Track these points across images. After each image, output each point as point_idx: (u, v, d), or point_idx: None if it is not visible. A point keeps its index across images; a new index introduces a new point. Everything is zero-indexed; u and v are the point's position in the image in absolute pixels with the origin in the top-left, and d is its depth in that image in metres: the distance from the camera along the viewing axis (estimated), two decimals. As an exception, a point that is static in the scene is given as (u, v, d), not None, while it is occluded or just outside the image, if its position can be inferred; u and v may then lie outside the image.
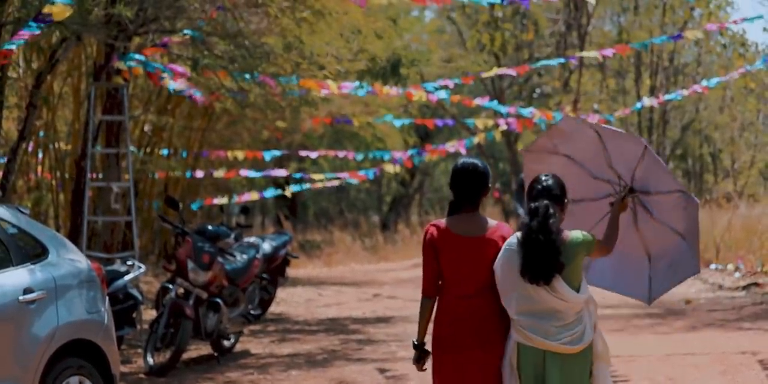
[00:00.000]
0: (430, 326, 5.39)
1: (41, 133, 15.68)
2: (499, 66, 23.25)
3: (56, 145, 16.22)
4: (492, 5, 23.71)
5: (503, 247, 5.25)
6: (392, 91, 16.50)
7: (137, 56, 12.42)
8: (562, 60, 20.50)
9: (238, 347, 11.46)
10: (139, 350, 11.10)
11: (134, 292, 10.59)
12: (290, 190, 22.78)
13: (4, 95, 11.11)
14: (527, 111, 19.18)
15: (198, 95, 13.04)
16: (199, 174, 19.48)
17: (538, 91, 30.77)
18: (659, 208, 5.60)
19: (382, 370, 9.96)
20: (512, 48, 27.25)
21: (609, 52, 17.89)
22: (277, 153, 21.67)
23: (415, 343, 5.39)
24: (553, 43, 28.78)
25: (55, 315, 6.57)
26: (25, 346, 6.32)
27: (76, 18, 10.36)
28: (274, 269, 13.55)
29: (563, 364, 5.20)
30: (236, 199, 21.83)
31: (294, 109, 18.00)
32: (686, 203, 5.52)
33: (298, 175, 25.61)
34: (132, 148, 14.84)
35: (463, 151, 21.46)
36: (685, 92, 20.18)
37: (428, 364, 5.41)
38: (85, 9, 10.60)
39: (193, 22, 12.10)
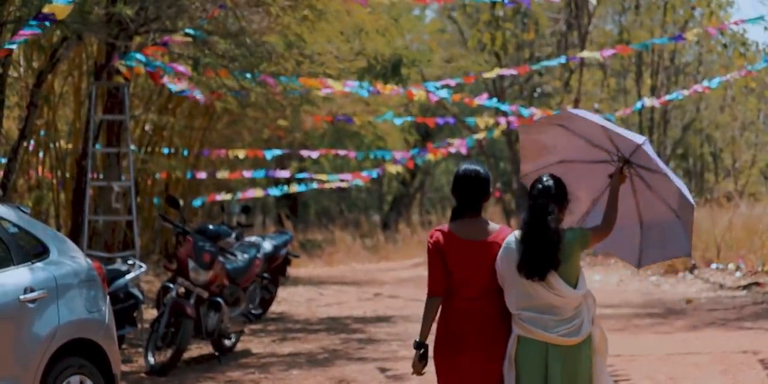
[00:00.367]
0: (433, 327, 5.40)
1: (42, 133, 15.68)
2: (500, 66, 23.24)
3: (57, 145, 16.21)
4: (493, 4, 23.69)
5: (503, 245, 5.33)
6: (394, 89, 16.49)
7: (138, 55, 12.42)
8: (563, 60, 20.47)
9: (239, 346, 11.45)
10: (140, 349, 11.10)
11: (135, 291, 10.59)
12: (295, 188, 22.82)
13: (5, 94, 11.11)
14: (528, 111, 19.18)
15: (198, 96, 13.04)
16: (202, 175, 19.49)
17: (538, 90, 30.74)
18: (657, 184, 5.64)
19: (382, 370, 9.96)
20: (513, 47, 27.23)
21: (610, 52, 17.87)
22: (278, 152, 21.68)
23: (417, 341, 5.39)
24: (554, 42, 28.76)
25: (56, 314, 6.57)
26: (26, 346, 6.32)
27: (77, 17, 10.37)
28: (275, 268, 13.57)
29: (566, 358, 5.26)
30: (239, 195, 21.83)
31: (295, 108, 18.01)
32: (682, 200, 5.56)
33: (302, 176, 25.61)
34: (133, 147, 14.85)
35: (464, 150, 21.47)
36: (686, 92, 20.17)
37: (427, 368, 5.42)
38: (86, 8, 10.59)
39: (194, 21, 12.10)
